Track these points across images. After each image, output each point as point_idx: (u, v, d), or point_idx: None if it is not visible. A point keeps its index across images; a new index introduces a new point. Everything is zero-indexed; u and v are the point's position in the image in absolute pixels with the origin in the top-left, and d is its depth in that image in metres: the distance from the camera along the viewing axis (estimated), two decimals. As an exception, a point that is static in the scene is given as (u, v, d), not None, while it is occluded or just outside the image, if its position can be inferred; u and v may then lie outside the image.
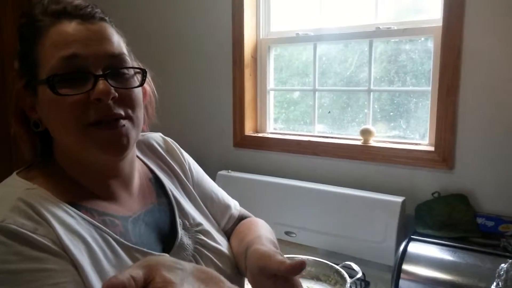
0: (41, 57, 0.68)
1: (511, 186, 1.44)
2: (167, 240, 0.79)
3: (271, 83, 2.06)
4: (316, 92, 1.93)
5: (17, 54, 0.73)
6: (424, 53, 1.66)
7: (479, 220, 1.45)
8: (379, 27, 1.71)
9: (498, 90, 1.44)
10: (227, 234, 0.92)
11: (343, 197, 1.64)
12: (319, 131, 1.95)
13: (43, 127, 0.72)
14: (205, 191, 0.93)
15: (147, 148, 0.90)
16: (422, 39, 1.66)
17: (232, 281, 0.77)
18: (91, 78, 0.67)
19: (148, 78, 0.80)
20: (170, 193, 0.84)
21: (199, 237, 0.83)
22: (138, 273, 0.45)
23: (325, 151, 1.81)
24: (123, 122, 0.69)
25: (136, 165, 0.83)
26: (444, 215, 1.48)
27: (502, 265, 1.16)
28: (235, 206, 0.98)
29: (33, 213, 0.64)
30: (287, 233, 1.76)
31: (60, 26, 0.68)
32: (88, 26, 0.69)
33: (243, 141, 2.01)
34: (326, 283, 1.43)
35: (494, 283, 1.14)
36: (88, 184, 0.75)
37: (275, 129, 2.08)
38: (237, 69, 2.01)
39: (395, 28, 1.68)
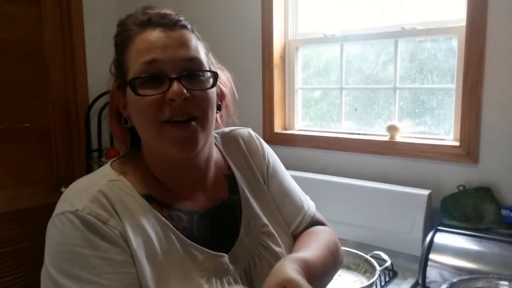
0: (129, 62, 0.77)
1: (535, 179, 1.49)
2: (229, 238, 0.83)
3: (299, 82, 2.14)
4: (343, 90, 2.00)
5: (113, 60, 0.82)
6: (449, 52, 1.72)
7: (504, 212, 1.50)
8: (404, 27, 1.78)
9: (522, 86, 1.49)
10: (296, 238, 0.93)
11: (371, 191, 1.71)
12: (346, 127, 2.02)
13: (131, 124, 0.81)
14: (280, 191, 0.95)
15: (232, 143, 0.95)
16: (449, 36, 1.71)
17: None
18: (167, 81, 0.74)
19: (228, 79, 0.88)
20: (241, 191, 0.88)
21: (262, 238, 0.86)
22: None
23: (352, 147, 1.88)
24: (193, 123, 0.76)
25: (215, 159, 0.89)
26: (469, 207, 1.54)
27: (526, 253, 1.23)
28: (309, 211, 0.97)
29: (109, 205, 0.74)
30: (316, 225, 1.84)
31: (144, 34, 0.76)
32: (168, 33, 0.76)
33: (272, 138, 2.10)
34: (356, 272, 1.51)
35: (519, 270, 1.21)
36: (164, 178, 0.82)
37: (303, 126, 2.16)
38: (266, 69, 2.09)
39: (420, 28, 1.74)
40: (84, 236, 0.70)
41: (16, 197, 2.33)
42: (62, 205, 0.74)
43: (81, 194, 0.74)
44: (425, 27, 1.73)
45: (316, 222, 0.98)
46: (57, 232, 0.71)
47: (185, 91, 0.74)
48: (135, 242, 0.73)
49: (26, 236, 2.35)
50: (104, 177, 0.79)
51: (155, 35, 0.76)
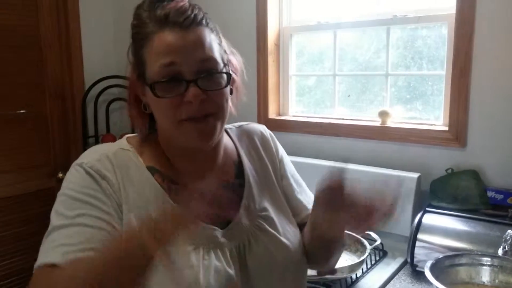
0: (147, 59, 0.81)
1: (520, 162, 1.55)
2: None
3: (292, 69, 2.18)
4: (336, 77, 2.05)
5: (131, 50, 0.85)
6: (439, 39, 1.77)
7: (489, 194, 1.56)
8: (396, 15, 1.82)
9: (507, 72, 1.54)
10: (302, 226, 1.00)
11: (363, 174, 1.76)
12: (339, 114, 2.06)
13: (150, 110, 0.86)
14: (288, 188, 1.01)
15: (246, 136, 1.00)
16: (439, 24, 1.75)
17: (284, 269, 0.89)
18: (184, 83, 0.78)
19: (239, 62, 0.92)
20: (247, 177, 0.94)
21: (259, 221, 0.90)
22: None
23: (345, 132, 1.93)
24: (211, 119, 0.81)
25: (226, 147, 0.94)
26: (457, 190, 1.60)
27: (509, 231, 1.28)
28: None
29: (111, 167, 0.82)
30: (309, 208, 1.89)
31: (162, 35, 0.78)
32: (184, 34, 0.78)
33: (267, 124, 2.09)
34: (347, 251, 1.57)
35: (501, 247, 1.27)
36: (175, 161, 0.88)
37: (296, 112, 2.21)
38: (261, 56, 2.13)
39: (411, 15, 1.78)
40: (81, 182, 0.80)
41: (14, 182, 2.35)
42: (77, 160, 0.84)
43: (91, 154, 0.84)
44: (416, 15, 1.77)
45: None
46: (66, 178, 0.82)
47: (201, 94, 0.78)
48: (129, 206, 0.80)
49: (24, 221, 2.38)
50: (117, 146, 0.87)
51: (172, 37, 0.78)
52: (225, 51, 0.88)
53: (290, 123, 2.10)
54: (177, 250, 0.79)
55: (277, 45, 2.15)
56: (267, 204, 0.93)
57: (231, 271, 0.82)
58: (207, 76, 0.80)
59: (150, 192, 0.82)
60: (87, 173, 0.80)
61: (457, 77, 1.62)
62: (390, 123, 1.85)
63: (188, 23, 0.79)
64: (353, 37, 2.01)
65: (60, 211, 0.78)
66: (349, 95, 2.04)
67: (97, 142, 2.62)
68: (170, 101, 0.79)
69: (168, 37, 0.79)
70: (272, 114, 2.16)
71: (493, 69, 1.56)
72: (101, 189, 0.79)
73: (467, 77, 1.60)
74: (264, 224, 0.90)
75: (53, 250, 0.73)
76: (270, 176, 0.99)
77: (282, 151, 1.05)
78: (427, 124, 1.79)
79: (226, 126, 1.00)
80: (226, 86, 0.83)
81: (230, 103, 0.91)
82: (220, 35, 0.88)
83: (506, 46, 1.53)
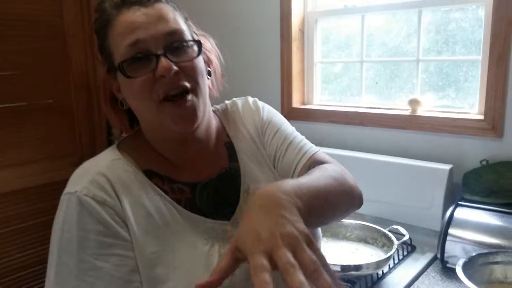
0: (112, 46, 0.78)
1: (563, 153, 1.44)
2: (232, 205, 0.85)
3: (318, 56, 2.10)
4: (364, 64, 1.96)
5: (98, 46, 0.82)
6: (475, 22, 1.66)
7: (528, 187, 1.46)
8: (428, -4, 1.72)
9: (551, 57, 1.43)
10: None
11: (391, 166, 1.69)
12: (366, 102, 1.98)
13: (127, 105, 0.82)
14: (277, 143, 0.92)
15: (231, 112, 0.96)
16: (474, 7, 1.65)
17: None
18: (154, 58, 0.75)
19: (212, 44, 0.89)
20: (240, 158, 0.90)
21: None
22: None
23: (372, 121, 1.85)
24: (189, 97, 0.77)
25: (214, 129, 0.90)
26: (492, 182, 1.51)
27: (549, 228, 1.19)
28: (307, 152, 0.90)
29: (108, 185, 0.77)
30: (335, 200, 1.83)
31: (122, 16, 0.76)
32: (144, 11, 0.76)
33: (291, 114, 2.07)
34: (373, 246, 1.51)
35: (541, 245, 1.18)
36: (166, 153, 0.85)
37: (321, 101, 2.13)
38: (284, 42, 2.06)
39: (445, -3, 1.68)
40: (78, 217, 0.74)
41: (43, 172, 2.39)
42: (67, 186, 0.79)
43: (82, 176, 0.78)
44: (450, -4, 1.67)
45: (317, 162, 0.88)
46: (59, 210, 0.78)
47: (173, 66, 0.75)
48: (135, 219, 0.76)
49: (52, 210, 2.41)
50: (107, 158, 0.82)
51: (132, 15, 0.76)
52: (194, 32, 0.85)
53: (314, 113, 2.03)
54: (193, 252, 0.77)
55: (302, 31, 2.08)
56: (264, 181, 0.88)
57: None
58: (176, 48, 0.77)
59: (153, 200, 0.79)
60: (82, 203, 0.74)
61: (494, 62, 1.52)
62: (421, 111, 1.75)
63: (145, 0, 0.76)
64: (382, 21, 1.92)
65: (61, 245, 0.74)
66: (377, 82, 1.95)
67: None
68: (142, 79, 0.75)
69: (128, 16, 0.76)
70: (296, 103, 2.09)
71: (535, 53, 1.45)
72: (99, 220, 0.74)
73: (506, 63, 1.49)
74: None
75: None
76: (260, 148, 0.92)
77: (268, 114, 0.96)
78: (460, 113, 1.69)
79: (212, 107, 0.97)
80: (198, 55, 0.79)
81: (210, 84, 0.88)
82: (186, 15, 0.84)
83: (549, 28, 1.41)
